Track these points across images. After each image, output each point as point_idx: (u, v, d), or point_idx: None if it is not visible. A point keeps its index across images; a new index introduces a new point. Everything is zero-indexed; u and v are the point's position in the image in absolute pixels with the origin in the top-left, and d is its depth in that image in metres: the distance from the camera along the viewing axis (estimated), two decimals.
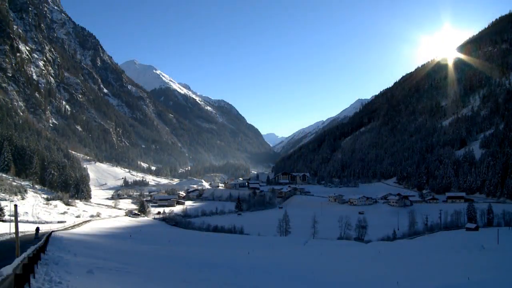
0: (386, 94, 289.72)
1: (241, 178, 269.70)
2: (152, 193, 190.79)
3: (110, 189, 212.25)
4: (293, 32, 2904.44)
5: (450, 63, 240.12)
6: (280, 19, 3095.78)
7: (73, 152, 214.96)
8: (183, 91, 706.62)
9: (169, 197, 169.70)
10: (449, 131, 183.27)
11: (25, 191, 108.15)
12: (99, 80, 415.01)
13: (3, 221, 69.01)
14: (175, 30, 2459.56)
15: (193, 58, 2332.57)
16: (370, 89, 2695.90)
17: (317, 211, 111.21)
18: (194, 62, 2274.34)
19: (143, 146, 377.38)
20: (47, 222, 77.77)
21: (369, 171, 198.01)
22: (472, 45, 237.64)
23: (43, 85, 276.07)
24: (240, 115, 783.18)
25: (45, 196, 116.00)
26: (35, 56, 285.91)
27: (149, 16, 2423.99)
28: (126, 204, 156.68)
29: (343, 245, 72.44)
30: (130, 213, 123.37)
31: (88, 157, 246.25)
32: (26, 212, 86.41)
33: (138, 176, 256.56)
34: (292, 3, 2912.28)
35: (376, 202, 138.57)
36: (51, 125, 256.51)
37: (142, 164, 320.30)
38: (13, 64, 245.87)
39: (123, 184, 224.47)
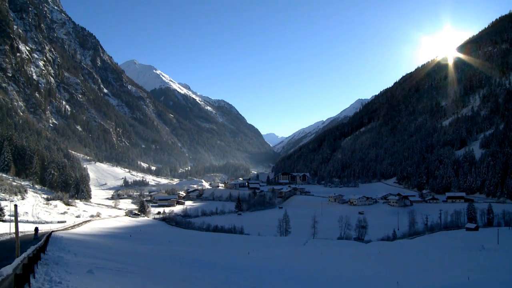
0: (386, 94, 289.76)
1: (241, 178, 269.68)
2: (152, 193, 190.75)
3: (110, 189, 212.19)
4: (294, 32, 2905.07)
5: (450, 63, 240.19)
6: (281, 19, 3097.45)
7: (73, 152, 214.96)
8: (183, 91, 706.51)
9: (169, 197, 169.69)
10: (449, 131, 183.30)
11: (25, 191, 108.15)
12: (99, 80, 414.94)
13: (3, 221, 69.02)
14: (175, 30, 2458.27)
15: (193, 58, 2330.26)
16: (370, 89, 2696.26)
17: (317, 211, 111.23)
18: (194, 62, 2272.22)
19: (143, 146, 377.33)
20: (47, 222, 77.80)
21: (369, 171, 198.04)
22: (472, 45, 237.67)
23: (43, 85, 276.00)
24: (240, 115, 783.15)
25: (45, 196, 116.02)
26: (35, 56, 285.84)
27: (149, 16, 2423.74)
28: (126, 204, 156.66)
29: (343, 245, 72.44)
30: (130, 213, 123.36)
31: (88, 157, 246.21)
32: (26, 212, 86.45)
33: (138, 176, 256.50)
34: (292, 3, 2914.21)
35: (376, 202, 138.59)
36: (51, 125, 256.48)
37: (142, 164, 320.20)
38: (13, 64, 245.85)
39: (123, 184, 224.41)
